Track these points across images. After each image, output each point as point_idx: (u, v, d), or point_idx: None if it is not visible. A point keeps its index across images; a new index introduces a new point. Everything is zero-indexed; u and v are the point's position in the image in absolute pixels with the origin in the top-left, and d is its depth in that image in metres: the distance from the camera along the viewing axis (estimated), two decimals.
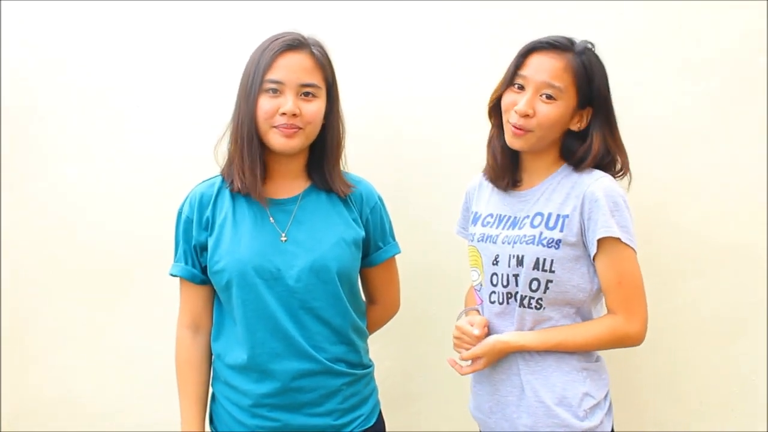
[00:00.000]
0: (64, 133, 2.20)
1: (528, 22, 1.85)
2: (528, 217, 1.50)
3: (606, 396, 1.51)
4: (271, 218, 1.52)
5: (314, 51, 1.50)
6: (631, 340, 1.46)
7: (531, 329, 1.48)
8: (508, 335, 1.49)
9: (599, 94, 1.47)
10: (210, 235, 1.52)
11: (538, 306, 1.47)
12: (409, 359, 2.03)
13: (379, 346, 1.73)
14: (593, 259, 1.45)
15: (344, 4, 1.98)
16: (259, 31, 1.59)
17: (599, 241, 1.42)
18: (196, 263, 1.55)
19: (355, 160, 1.73)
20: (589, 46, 1.49)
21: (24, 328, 2.30)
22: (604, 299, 1.52)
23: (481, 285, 1.57)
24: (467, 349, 1.52)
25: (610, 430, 1.49)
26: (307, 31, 1.54)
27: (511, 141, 1.49)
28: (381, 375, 1.71)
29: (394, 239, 1.68)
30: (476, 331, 1.51)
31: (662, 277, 1.82)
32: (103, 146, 2.17)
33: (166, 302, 2.17)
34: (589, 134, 1.48)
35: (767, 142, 1.75)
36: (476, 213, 1.63)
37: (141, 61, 2.13)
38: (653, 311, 1.78)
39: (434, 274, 1.96)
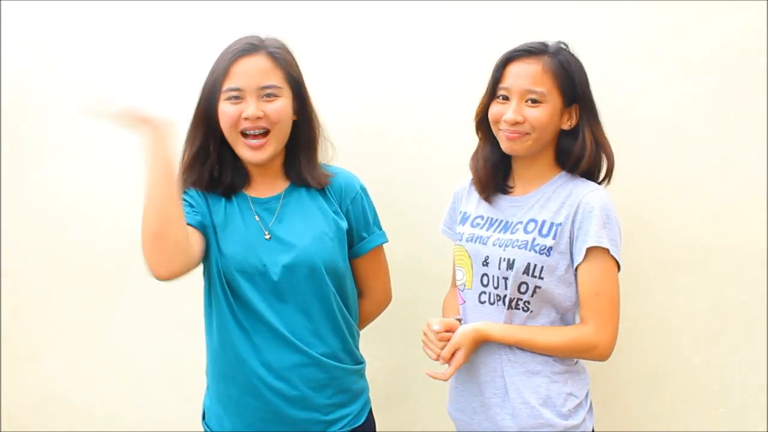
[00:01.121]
0: (64, 133, 2.20)
1: (528, 22, 1.85)
2: (521, 222, 1.51)
3: (587, 395, 1.53)
4: (256, 216, 1.54)
5: (271, 51, 1.50)
6: (596, 352, 1.45)
7: None
8: (480, 324, 1.50)
9: (582, 91, 1.49)
10: (207, 228, 1.52)
11: (526, 308, 1.49)
12: (399, 358, 2.03)
13: (368, 346, 1.73)
14: (576, 267, 1.46)
15: (344, 4, 1.98)
16: (258, 30, 1.59)
17: (588, 250, 1.43)
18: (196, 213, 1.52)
19: (355, 159, 1.73)
20: (563, 46, 1.51)
21: (23, 327, 2.30)
22: (576, 309, 1.53)
23: (465, 285, 1.58)
24: (433, 350, 1.51)
25: (591, 428, 1.52)
26: (265, 33, 1.54)
27: (508, 147, 1.50)
28: (371, 374, 1.72)
29: (380, 229, 1.67)
30: (435, 326, 1.51)
31: (656, 277, 1.82)
32: (102, 146, 2.18)
33: (165, 302, 2.18)
34: (580, 131, 1.50)
35: (767, 142, 1.75)
36: (465, 213, 1.64)
37: (141, 61, 2.13)
38: (637, 312, 1.78)
39: (424, 272, 1.95)
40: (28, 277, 2.27)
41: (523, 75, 1.47)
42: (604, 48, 1.79)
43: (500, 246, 1.50)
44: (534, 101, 1.46)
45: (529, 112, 1.46)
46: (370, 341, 1.80)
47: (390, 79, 1.98)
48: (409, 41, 1.96)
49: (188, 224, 1.46)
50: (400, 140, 2.00)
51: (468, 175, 1.66)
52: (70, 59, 2.18)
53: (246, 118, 1.46)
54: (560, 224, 1.46)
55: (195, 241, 1.46)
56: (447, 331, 1.51)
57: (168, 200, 1.37)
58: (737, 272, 1.77)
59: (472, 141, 1.65)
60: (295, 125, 1.55)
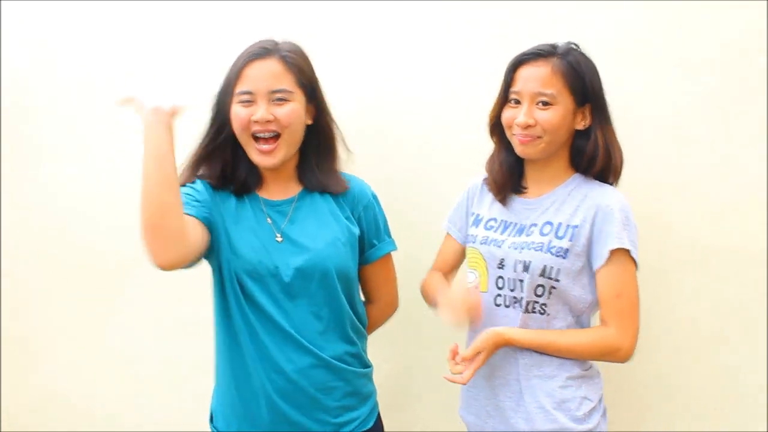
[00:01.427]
0: (64, 133, 2.20)
1: (528, 22, 1.85)
2: (536, 225, 1.51)
3: (600, 399, 1.53)
4: (268, 218, 1.54)
5: (283, 55, 1.50)
6: (618, 354, 1.46)
7: None
8: (503, 328, 1.49)
9: (593, 90, 1.49)
10: (215, 224, 1.51)
11: (542, 311, 1.49)
12: (407, 361, 2.03)
13: (376, 349, 1.73)
14: (597, 269, 1.46)
15: (344, 4, 1.98)
16: (259, 30, 1.59)
17: (609, 252, 1.44)
18: (198, 207, 1.48)
19: (355, 159, 1.73)
20: (573, 46, 1.51)
21: (24, 327, 2.30)
22: (591, 311, 1.54)
23: (479, 288, 1.58)
24: (449, 312, 1.46)
25: (605, 431, 1.52)
26: (282, 36, 1.54)
27: (522, 150, 1.51)
28: (379, 377, 1.71)
29: (389, 236, 1.67)
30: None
31: (657, 277, 1.82)
32: (103, 146, 2.18)
33: (165, 302, 2.18)
34: (592, 131, 1.50)
35: (767, 143, 1.75)
36: (478, 215, 1.64)
37: (141, 61, 2.13)
38: (649, 312, 1.78)
39: (424, 272, 1.92)
40: (28, 276, 2.27)
41: (532, 78, 1.47)
42: (604, 48, 1.78)
43: (516, 248, 1.50)
44: (545, 103, 1.46)
45: (540, 115, 1.46)
46: (379, 344, 1.78)
47: (390, 79, 1.98)
48: (409, 41, 1.96)
49: (194, 216, 1.43)
50: (400, 140, 2.00)
51: (474, 174, 1.65)
52: (70, 59, 2.18)
53: (256, 121, 1.47)
54: (577, 226, 1.47)
55: (197, 233, 1.43)
56: (470, 308, 1.45)
57: (163, 189, 1.33)
58: (737, 272, 1.77)
59: (472, 141, 1.65)
60: (311, 130, 1.55)
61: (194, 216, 1.45)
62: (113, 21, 2.14)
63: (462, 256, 1.70)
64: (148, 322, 2.21)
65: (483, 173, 1.66)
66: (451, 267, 1.72)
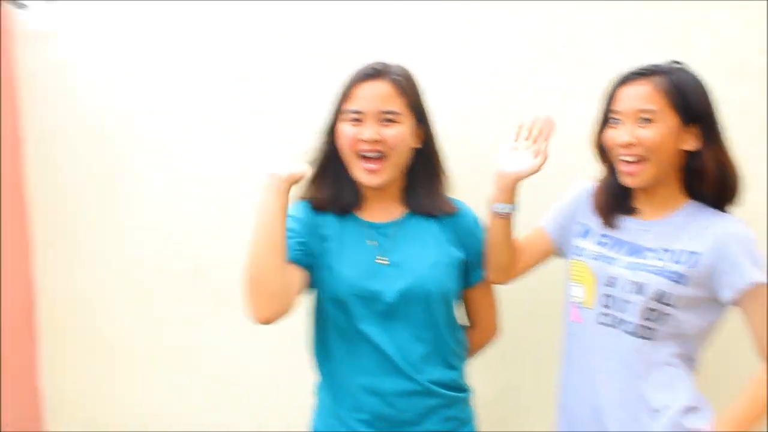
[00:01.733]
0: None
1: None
2: (652, 250, 1.47)
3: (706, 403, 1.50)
4: (370, 241, 1.54)
5: (394, 78, 1.51)
6: None
7: (631, 360, 1.46)
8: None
9: (701, 109, 1.44)
10: (318, 248, 1.52)
11: (648, 336, 1.45)
12: (505, 383, 1.99)
13: (474, 372, 1.70)
14: (735, 303, 1.42)
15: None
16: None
17: (753, 285, 1.40)
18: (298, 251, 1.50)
19: None
20: (676, 65, 1.48)
21: (103, 331, 2.28)
22: (699, 342, 1.50)
23: (584, 303, 1.54)
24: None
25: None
26: (394, 59, 1.55)
27: (630, 182, 1.47)
28: (477, 401, 1.68)
29: None
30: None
31: None
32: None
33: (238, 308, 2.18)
34: (702, 152, 1.45)
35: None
36: (587, 227, 1.59)
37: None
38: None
39: (529, 297, 1.90)
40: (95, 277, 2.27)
41: (633, 96, 1.44)
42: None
43: (630, 268, 1.46)
44: (646, 120, 1.42)
45: (642, 132, 1.42)
46: (478, 368, 1.77)
47: None
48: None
49: (293, 262, 1.45)
50: None
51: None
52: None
53: (363, 140, 1.47)
54: (696, 253, 1.42)
55: (296, 282, 1.45)
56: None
57: (269, 251, 1.38)
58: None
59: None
60: (419, 153, 1.55)
61: (293, 261, 1.46)
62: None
63: (546, 254, 1.66)
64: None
65: (593, 183, 1.61)
66: (527, 255, 1.66)
